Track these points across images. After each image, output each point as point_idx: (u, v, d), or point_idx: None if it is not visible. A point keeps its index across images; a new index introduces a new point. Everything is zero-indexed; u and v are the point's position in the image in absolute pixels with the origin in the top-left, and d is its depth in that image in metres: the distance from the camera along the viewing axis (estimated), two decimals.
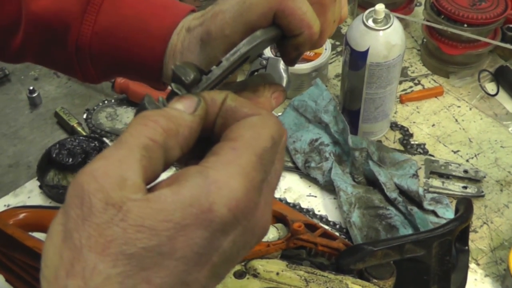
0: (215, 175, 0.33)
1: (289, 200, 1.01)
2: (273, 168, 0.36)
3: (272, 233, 0.70)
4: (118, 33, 0.58)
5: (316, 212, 0.99)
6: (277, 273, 0.62)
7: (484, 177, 1.04)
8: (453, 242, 0.64)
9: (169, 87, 0.40)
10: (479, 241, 0.96)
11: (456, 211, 0.67)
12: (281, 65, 1.09)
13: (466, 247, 0.69)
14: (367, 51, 0.99)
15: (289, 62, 0.48)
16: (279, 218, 0.71)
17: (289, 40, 0.45)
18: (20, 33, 0.62)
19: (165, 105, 0.38)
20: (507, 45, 1.17)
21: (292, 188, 1.04)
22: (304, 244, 0.68)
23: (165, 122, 0.35)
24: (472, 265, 0.91)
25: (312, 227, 0.70)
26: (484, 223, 0.98)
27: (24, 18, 0.61)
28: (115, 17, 0.59)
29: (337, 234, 0.93)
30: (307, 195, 1.03)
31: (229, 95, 0.39)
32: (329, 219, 0.98)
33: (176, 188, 0.32)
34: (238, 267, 0.62)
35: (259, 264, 0.62)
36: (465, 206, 0.66)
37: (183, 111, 0.37)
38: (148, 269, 0.31)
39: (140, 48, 0.57)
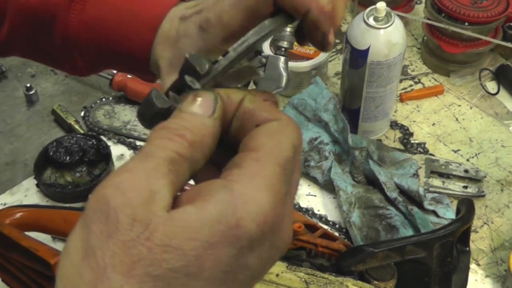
0: (240, 189, 0.31)
1: None
2: (293, 177, 0.35)
3: None
4: (105, 21, 0.57)
5: (316, 212, 0.99)
6: (277, 275, 0.61)
7: (485, 176, 1.03)
8: (454, 244, 0.64)
9: (175, 81, 0.38)
10: (479, 241, 0.95)
11: (458, 211, 0.66)
12: (281, 63, 1.08)
13: (467, 248, 0.68)
14: (367, 50, 0.98)
15: (321, 47, 0.46)
16: None
17: (304, 23, 0.44)
18: (6, 24, 0.61)
19: (177, 101, 0.36)
20: (508, 44, 1.16)
21: None
22: (304, 245, 0.67)
23: (190, 135, 0.33)
24: (472, 266, 0.90)
25: (312, 228, 0.69)
26: (485, 223, 0.98)
27: (9, 9, 0.60)
28: (103, 6, 0.58)
29: (336, 234, 0.92)
30: (307, 194, 1.02)
31: (247, 96, 0.37)
32: (329, 218, 0.98)
33: (200, 204, 0.31)
34: None
35: None
36: (466, 207, 0.65)
37: (203, 115, 0.35)
38: None
39: (128, 37, 0.56)
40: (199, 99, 0.35)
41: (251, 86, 1.15)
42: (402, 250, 0.63)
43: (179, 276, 0.29)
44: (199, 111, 0.35)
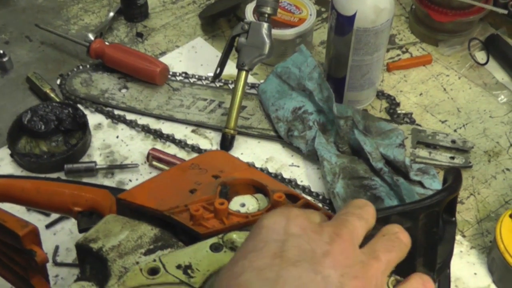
0: None
1: (270, 170, 0.98)
2: None
3: (252, 204, 0.66)
4: None
5: (299, 183, 0.96)
6: None
7: (472, 147, 1.01)
8: (441, 214, 0.61)
9: None
10: (465, 212, 0.93)
11: (444, 181, 0.64)
12: (264, 29, 1.05)
13: (454, 219, 0.66)
14: (354, 16, 0.95)
15: None
16: (259, 188, 0.68)
17: None
18: None
19: None
20: (501, 10, 1.13)
21: (274, 158, 1.00)
22: None
23: None
24: (458, 237, 0.88)
25: (293, 198, 0.66)
26: (471, 194, 0.96)
27: None
28: None
29: (320, 205, 0.90)
30: (290, 165, 0.99)
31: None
32: (312, 189, 0.95)
33: None
34: (214, 240, 0.59)
35: (237, 237, 0.58)
36: (454, 176, 0.62)
37: None
38: None
39: None
40: None
41: (233, 53, 1.12)
42: (386, 220, 0.60)
43: None
44: None
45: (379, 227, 0.61)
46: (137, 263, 0.60)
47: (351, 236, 0.46)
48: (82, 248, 0.65)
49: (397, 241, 0.50)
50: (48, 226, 0.90)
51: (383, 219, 0.61)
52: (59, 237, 0.89)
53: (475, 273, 0.85)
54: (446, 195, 0.61)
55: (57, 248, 0.88)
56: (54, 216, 0.91)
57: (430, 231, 0.61)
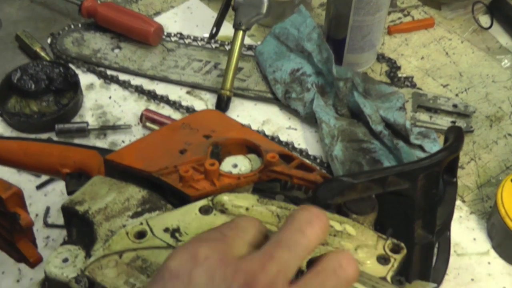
0: None
1: (267, 133, 0.95)
2: None
3: (244, 165, 0.64)
4: None
5: (296, 146, 0.94)
6: (247, 209, 0.56)
7: (474, 112, 0.99)
8: (440, 174, 0.59)
9: None
10: (465, 177, 0.91)
11: (445, 140, 0.61)
12: None
13: (454, 179, 0.64)
14: None
15: None
16: (252, 148, 0.65)
17: None
18: None
19: None
20: None
21: (271, 120, 0.98)
22: (278, 176, 0.62)
23: None
24: (457, 202, 0.86)
25: (287, 158, 0.64)
26: (472, 159, 0.93)
27: None
28: None
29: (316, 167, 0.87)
30: (287, 128, 0.97)
31: None
32: (310, 153, 0.93)
33: None
34: (204, 202, 0.56)
35: (228, 199, 0.56)
36: (455, 135, 0.60)
37: None
38: None
39: None
40: None
41: (230, 14, 1.08)
42: (383, 181, 0.58)
43: None
44: None
45: (376, 189, 0.59)
46: (124, 226, 0.58)
47: (272, 281, 0.38)
48: (68, 211, 0.63)
49: (336, 280, 0.40)
50: (39, 187, 0.88)
51: (379, 180, 0.59)
52: (50, 198, 0.87)
53: (474, 239, 0.83)
54: (447, 154, 0.58)
55: (48, 209, 0.86)
56: (45, 177, 0.89)
57: (430, 192, 0.59)
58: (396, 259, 0.53)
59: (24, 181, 0.88)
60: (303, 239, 0.40)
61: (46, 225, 0.85)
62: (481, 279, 0.78)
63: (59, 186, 0.88)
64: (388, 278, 0.52)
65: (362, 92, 0.93)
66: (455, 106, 0.98)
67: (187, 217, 0.56)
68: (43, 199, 0.87)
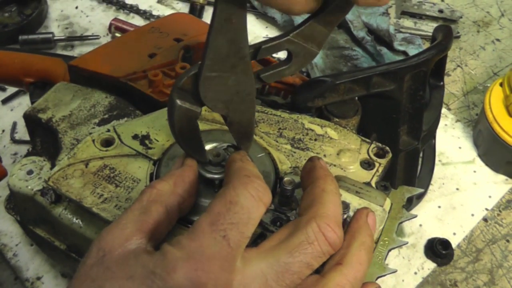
0: None
1: None
2: None
3: None
4: None
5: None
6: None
7: (461, 17, 0.94)
8: (428, 75, 0.55)
9: None
10: (451, 85, 0.87)
11: (433, 39, 0.57)
12: None
13: (441, 83, 0.60)
14: None
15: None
16: None
17: None
18: None
19: None
20: None
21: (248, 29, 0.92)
22: None
23: None
24: (443, 110, 0.83)
25: (265, 62, 0.59)
26: (458, 66, 0.90)
27: None
28: None
29: None
30: (264, 37, 0.92)
31: None
32: None
33: None
34: None
35: None
36: (444, 33, 0.56)
37: None
38: None
39: None
40: None
41: None
42: (367, 82, 0.54)
43: None
44: None
45: (360, 90, 0.56)
46: (90, 134, 0.54)
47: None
48: (30, 119, 0.58)
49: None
50: (4, 102, 0.83)
51: (363, 81, 0.55)
52: (16, 113, 0.83)
53: (459, 147, 0.80)
54: (435, 53, 0.54)
55: (14, 124, 0.81)
56: (11, 90, 0.84)
57: (416, 94, 0.56)
58: (381, 164, 0.50)
59: None
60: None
61: (14, 141, 0.80)
62: (466, 188, 0.76)
63: (26, 100, 0.83)
64: (373, 184, 0.49)
65: None
66: (441, 11, 0.94)
67: (158, 124, 0.52)
68: (10, 114, 0.83)
